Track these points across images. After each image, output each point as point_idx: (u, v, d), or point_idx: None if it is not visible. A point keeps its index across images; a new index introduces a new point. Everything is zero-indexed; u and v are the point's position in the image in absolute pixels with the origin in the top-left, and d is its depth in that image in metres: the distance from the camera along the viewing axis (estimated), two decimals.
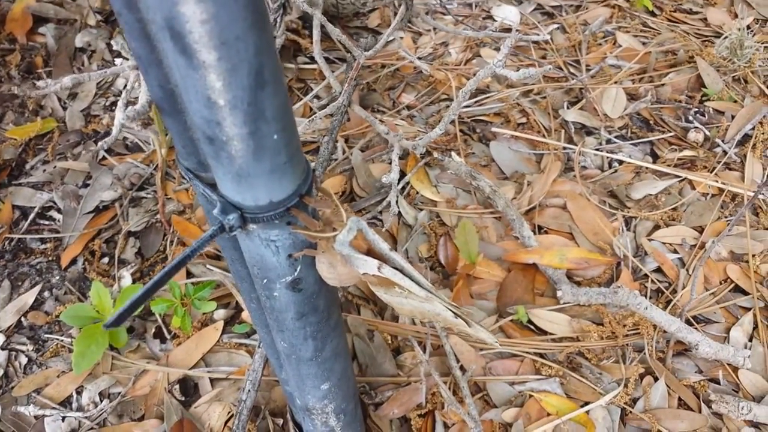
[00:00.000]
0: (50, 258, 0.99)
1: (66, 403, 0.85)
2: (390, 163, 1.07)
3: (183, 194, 1.07)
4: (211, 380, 0.87)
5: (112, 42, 1.28)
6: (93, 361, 0.83)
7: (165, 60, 0.46)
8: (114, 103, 1.21)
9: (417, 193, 1.07)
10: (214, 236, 0.50)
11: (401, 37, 1.35)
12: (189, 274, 0.97)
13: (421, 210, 1.05)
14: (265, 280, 0.55)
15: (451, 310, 0.55)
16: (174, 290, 0.87)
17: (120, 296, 0.86)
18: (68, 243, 1.00)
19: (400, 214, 1.04)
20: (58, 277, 0.97)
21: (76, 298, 0.95)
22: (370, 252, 0.55)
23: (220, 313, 0.93)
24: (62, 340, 0.91)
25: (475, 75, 0.79)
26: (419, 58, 1.29)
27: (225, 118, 0.42)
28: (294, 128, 0.47)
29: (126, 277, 0.96)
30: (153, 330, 0.91)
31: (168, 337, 0.91)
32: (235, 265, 0.63)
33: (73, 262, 0.99)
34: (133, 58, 0.51)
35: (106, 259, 0.99)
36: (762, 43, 1.32)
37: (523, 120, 1.20)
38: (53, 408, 0.84)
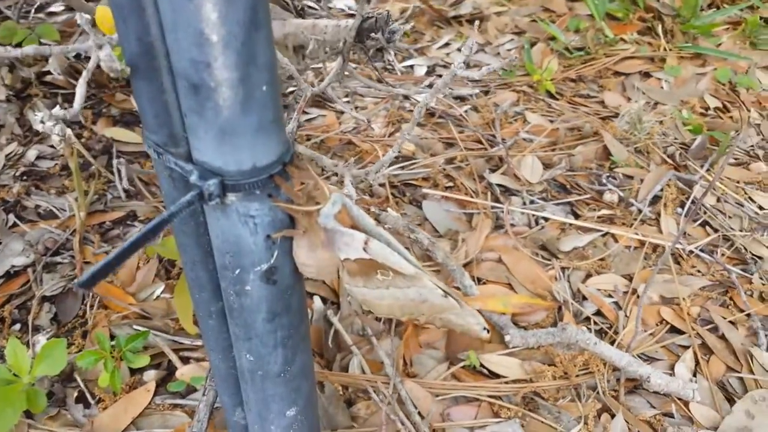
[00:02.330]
0: None
1: None
2: None
3: (103, 258, 0.99)
4: None
5: (28, 115, 1.22)
6: (7, 428, 0.72)
7: (147, 8, 0.44)
8: (24, 173, 1.13)
9: None
10: (192, 203, 0.46)
11: (323, 115, 1.38)
12: (112, 338, 0.89)
13: None
14: (237, 271, 0.51)
15: (440, 287, 0.53)
16: (102, 342, 0.78)
17: (41, 351, 0.76)
18: None
19: None
20: None
21: None
22: (355, 229, 0.53)
23: (151, 374, 0.84)
24: None
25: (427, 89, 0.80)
26: (343, 132, 1.31)
27: (216, 58, 0.40)
28: (279, 86, 0.46)
29: (41, 342, 0.86)
30: (75, 395, 0.81)
31: (92, 401, 0.81)
32: (195, 271, 0.58)
33: None
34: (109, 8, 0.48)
35: (17, 326, 0.89)
36: (657, 120, 1.44)
37: (450, 184, 1.22)
38: None
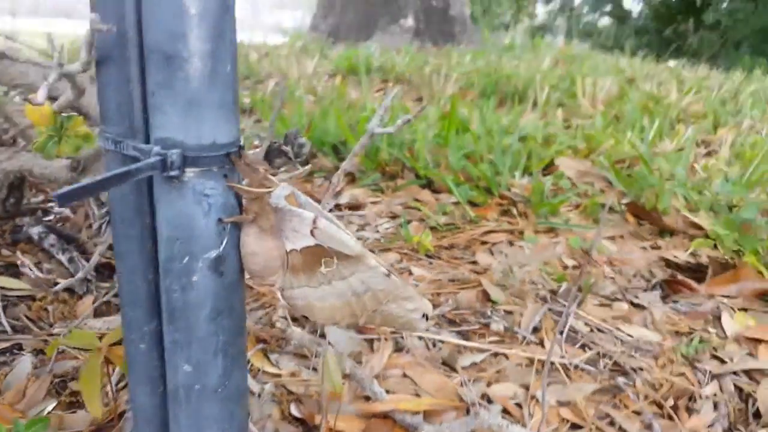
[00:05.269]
0: None
1: None
2: None
3: None
4: None
5: None
6: None
7: None
8: None
9: (259, 370, 1.04)
10: (155, 167, 0.49)
11: None
12: None
13: (266, 383, 1.01)
14: (186, 259, 0.53)
15: (382, 265, 0.57)
16: None
17: None
18: None
19: None
20: None
21: None
22: None
23: None
24: None
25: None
26: None
27: (192, 30, 0.48)
28: (237, 72, 0.53)
29: None
30: None
31: None
32: (134, 282, 0.59)
33: None
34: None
35: None
36: (526, 270, 1.58)
37: None
38: None
